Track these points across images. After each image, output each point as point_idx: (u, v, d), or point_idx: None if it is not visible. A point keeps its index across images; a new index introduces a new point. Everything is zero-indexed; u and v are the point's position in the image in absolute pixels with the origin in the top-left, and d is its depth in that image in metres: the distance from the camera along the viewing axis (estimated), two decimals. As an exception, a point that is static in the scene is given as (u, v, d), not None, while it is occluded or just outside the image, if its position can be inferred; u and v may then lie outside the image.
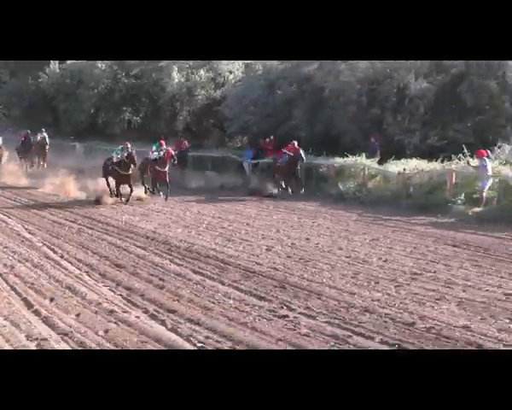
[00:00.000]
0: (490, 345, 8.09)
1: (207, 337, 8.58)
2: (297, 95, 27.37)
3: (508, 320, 9.12)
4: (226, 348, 8.14)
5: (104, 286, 11.34)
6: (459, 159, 20.10)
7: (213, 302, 10.27)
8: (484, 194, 18.58)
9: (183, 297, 10.56)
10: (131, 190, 21.69)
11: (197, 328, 9.01)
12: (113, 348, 8.06)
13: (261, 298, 10.48)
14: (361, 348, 7.73)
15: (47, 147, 30.91)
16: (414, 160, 21.87)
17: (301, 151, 23.57)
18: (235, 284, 11.33)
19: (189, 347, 8.23)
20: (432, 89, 24.09)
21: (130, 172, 21.47)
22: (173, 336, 8.66)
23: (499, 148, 21.20)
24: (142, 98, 33.57)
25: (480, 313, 9.50)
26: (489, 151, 19.71)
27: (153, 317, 9.58)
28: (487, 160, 19.02)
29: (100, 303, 10.20)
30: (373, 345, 8.21)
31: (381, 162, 22.63)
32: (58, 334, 8.70)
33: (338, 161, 23.69)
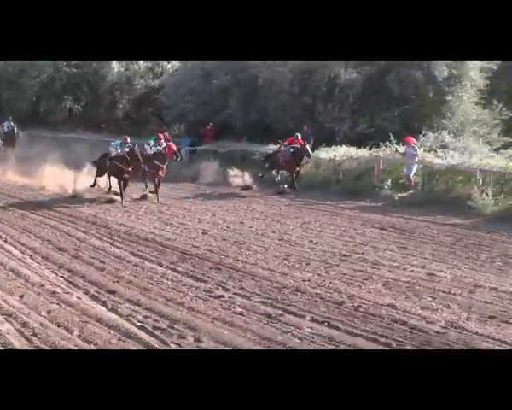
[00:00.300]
0: (413, 322, 8.50)
1: (146, 317, 8.81)
2: (232, 84, 27.16)
3: (430, 299, 9.55)
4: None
5: (47, 269, 11.46)
6: (386, 146, 20.58)
7: (152, 283, 10.49)
8: (412, 179, 19.21)
9: (123, 279, 10.75)
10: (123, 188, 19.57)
11: (136, 308, 9.23)
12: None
13: (198, 279, 10.74)
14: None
15: (15, 138, 29.97)
16: (344, 147, 22.24)
17: (307, 146, 21.42)
18: (172, 266, 11.56)
19: (129, 327, 8.43)
20: (360, 79, 24.27)
21: (131, 168, 19.22)
22: (113, 316, 8.85)
23: (424, 136, 21.71)
24: (83, 87, 33.33)
25: (404, 292, 9.91)
26: (414, 138, 20.43)
27: (94, 298, 9.75)
28: (416, 146, 19.78)
29: (43, 285, 10.31)
30: (305, 323, 8.56)
31: (312, 149, 23.01)
32: (2, 315, 8.80)
33: (271, 148, 23.60)
